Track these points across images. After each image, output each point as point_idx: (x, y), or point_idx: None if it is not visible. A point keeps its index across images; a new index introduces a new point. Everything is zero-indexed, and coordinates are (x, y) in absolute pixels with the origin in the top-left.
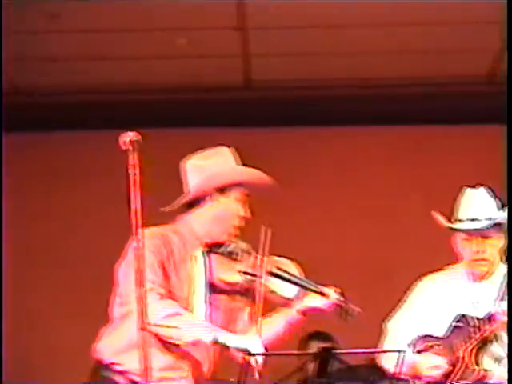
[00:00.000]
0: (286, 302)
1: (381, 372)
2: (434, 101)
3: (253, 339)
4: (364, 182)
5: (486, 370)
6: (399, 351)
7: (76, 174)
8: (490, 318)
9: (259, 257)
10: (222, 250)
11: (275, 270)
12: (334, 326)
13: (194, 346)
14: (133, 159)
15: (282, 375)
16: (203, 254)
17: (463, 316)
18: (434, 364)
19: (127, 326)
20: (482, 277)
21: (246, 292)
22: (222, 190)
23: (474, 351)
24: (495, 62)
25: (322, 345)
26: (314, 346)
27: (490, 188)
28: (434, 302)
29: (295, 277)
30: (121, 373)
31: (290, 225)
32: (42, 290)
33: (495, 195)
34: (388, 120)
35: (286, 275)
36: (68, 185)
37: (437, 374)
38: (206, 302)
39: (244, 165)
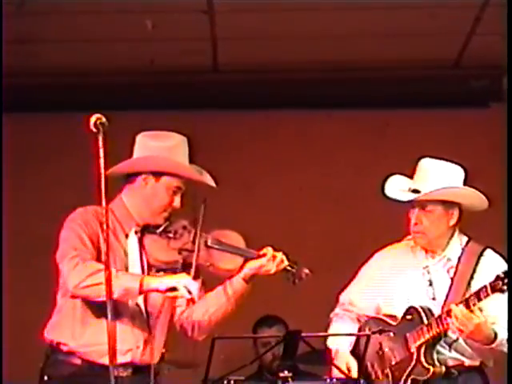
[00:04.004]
0: (230, 274)
1: None
2: (401, 84)
3: (183, 276)
4: (331, 164)
5: (436, 367)
6: (366, 335)
7: (47, 155)
8: (440, 320)
9: (196, 232)
10: (156, 229)
11: (211, 243)
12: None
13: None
14: (99, 141)
15: (235, 365)
16: (137, 233)
17: (414, 308)
18: None
19: (63, 303)
20: (431, 250)
21: (187, 269)
22: (155, 173)
23: (424, 349)
24: (463, 46)
25: (271, 329)
26: (263, 332)
27: (455, 163)
28: (386, 273)
29: (233, 246)
30: (67, 353)
31: (256, 207)
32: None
33: (466, 174)
34: (353, 103)
35: (222, 246)
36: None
37: None
38: None
39: (192, 159)
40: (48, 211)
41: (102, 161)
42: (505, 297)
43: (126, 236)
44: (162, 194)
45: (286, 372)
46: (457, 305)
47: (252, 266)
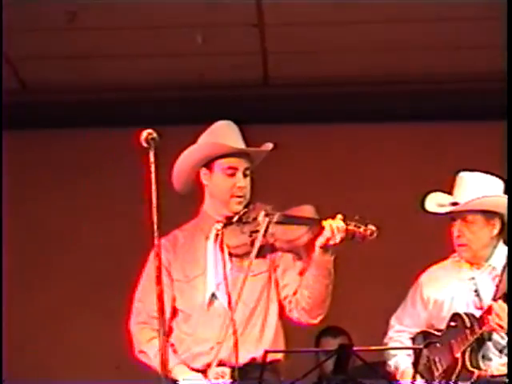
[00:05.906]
0: (297, 245)
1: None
2: (452, 97)
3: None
4: (378, 176)
5: (481, 370)
6: (419, 349)
7: (77, 172)
8: (482, 320)
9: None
10: (233, 220)
11: (277, 219)
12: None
13: None
14: (150, 156)
15: (298, 373)
16: (218, 229)
17: (458, 315)
18: None
19: None
20: (477, 263)
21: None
22: (206, 166)
23: (469, 352)
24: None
25: (335, 340)
26: (327, 342)
27: (493, 174)
28: (432, 290)
29: (296, 217)
30: None
31: None
32: (45, 288)
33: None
34: (400, 117)
35: (287, 219)
36: (69, 183)
37: None
38: (217, 274)
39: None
40: (50, 225)
41: (153, 176)
42: None
43: (207, 238)
44: (221, 181)
45: None
46: (496, 300)
47: (318, 241)
